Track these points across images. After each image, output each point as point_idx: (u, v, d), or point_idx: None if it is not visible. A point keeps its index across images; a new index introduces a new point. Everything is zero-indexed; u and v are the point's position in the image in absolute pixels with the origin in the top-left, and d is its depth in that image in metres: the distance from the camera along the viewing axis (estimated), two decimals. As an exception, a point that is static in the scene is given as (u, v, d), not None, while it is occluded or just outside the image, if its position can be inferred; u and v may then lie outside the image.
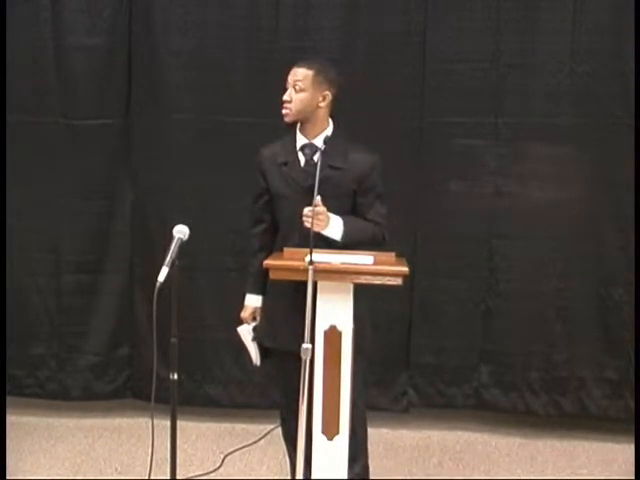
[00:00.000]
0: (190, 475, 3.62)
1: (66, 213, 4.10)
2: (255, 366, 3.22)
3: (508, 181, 4.00)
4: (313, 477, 2.93)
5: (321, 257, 2.79)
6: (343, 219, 2.98)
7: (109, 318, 4.19)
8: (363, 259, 2.88)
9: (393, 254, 2.95)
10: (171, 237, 2.83)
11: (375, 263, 2.87)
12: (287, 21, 3.92)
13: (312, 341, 2.79)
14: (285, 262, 2.89)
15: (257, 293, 3.19)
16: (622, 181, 3.90)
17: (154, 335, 2.76)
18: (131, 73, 4.02)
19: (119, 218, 4.13)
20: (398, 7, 3.89)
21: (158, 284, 2.69)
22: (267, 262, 2.89)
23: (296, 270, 2.78)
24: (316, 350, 2.84)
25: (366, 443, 3.26)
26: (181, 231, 2.84)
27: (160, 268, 2.72)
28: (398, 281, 2.82)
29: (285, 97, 3.03)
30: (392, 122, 3.92)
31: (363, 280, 2.83)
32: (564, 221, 3.98)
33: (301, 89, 3.02)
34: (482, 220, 4.02)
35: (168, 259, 2.75)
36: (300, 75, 3.02)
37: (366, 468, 3.26)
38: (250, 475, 3.70)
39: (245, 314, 3.22)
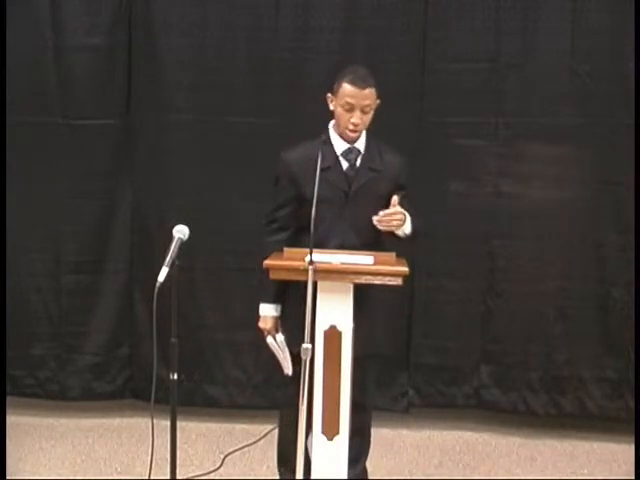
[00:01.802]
0: (190, 475, 3.62)
1: (66, 213, 4.10)
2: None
3: (508, 181, 4.00)
4: (313, 477, 2.93)
5: (321, 257, 2.79)
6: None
7: (109, 318, 4.19)
8: (363, 259, 2.88)
9: (393, 254, 2.95)
10: (171, 237, 2.83)
11: (375, 263, 2.87)
12: (287, 21, 3.92)
13: (312, 341, 2.79)
14: (285, 262, 2.89)
15: (277, 302, 3.09)
16: (622, 181, 3.90)
17: (154, 335, 2.76)
18: (131, 73, 4.01)
19: (119, 218, 4.13)
20: (398, 7, 3.89)
21: (158, 284, 2.69)
22: (267, 262, 2.88)
23: (296, 270, 2.78)
24: (316, 350, 2.84)
25: (370, 445, 3.26)
26: (181, 231, 2.84)
27: (160, 268, 2.73)
28: (398, 281, 2.82)
29: (356, 120, 2.95)
30: (392, 122, 3.91)
31: (363, 280, 2.83)
32: (564, 221, 3.98)
33: (370, 109, 2.98)
34: (482, 220, 4.02)
35: (168, 259, 2.75)
36: (369, 98, 2.95)
37: (365, 469, 3.27)
38: (250, 475, 3.69)
39: (268, 325, 3.09)
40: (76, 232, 4.11)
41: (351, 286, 2.86)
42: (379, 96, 3.00)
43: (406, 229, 2.99)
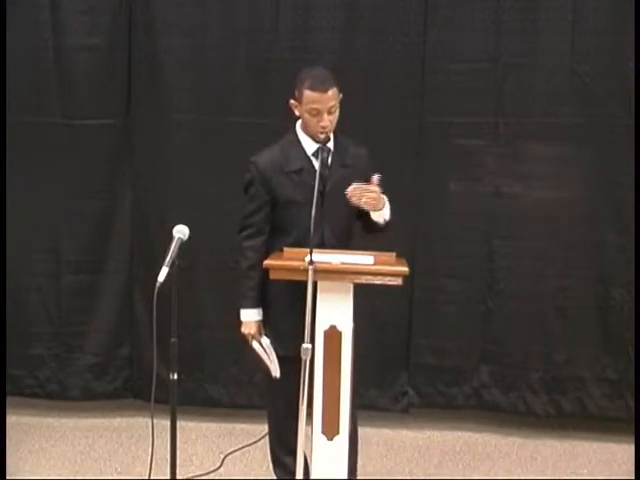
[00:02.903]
0: (190, 475, 3.62)
1: (66, 213, 4.10)
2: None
3: (508, 181, 4.00)
4: (313, 477, 2.93)
5: (321, 257, 2.79)
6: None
7: (109, 318, 4.19)
8: (363, 259, 2.88)
9: (393, 254, 2.95)
10: (171, 237, 2.83)
11: (375, 263, 2.87)
12: (287, 21, 3.92)
13: (312, 341, 2.79)
14: (285, 262, 2.89)
15: (259, 306, 3.10)
16: (622, 181, 3.90)
17: (154, 335, 2.76)
18: (131, 73, 4.02)
19: (119, 218, 4.13)
20: (398, 7, 3.89)
21: (158, 284, 2.70)
22: (267, 262, 2.89)
23: (296, 270, 2.78)
24: (316, 350, 2.84)
25: (357, 442, 3.25)
26: (181, 231, 2.84)
27: (160, 268, 2.73)
28: (398, 281, 2.82)
29: (325, 124, 2.95)
30: (392, 122, 3.92)
31: (363, 280, 2.83)
32: (564, 221, 3.98)
33: (335, 108, 2.98)
34: (482, 220, 4.02)
35: (168, 259, 2.75)
36: (332, 99, 2.95)
37: (355, 467, 3.25)
38: (250, 475, 3.70)
39: (252, 330, 3.07)
40: (76, 232, 4.11)
41: (351, 286, 2.86)
42: (340, 90, 3.00)
43: (385, 214, 3.01)
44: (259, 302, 3.09)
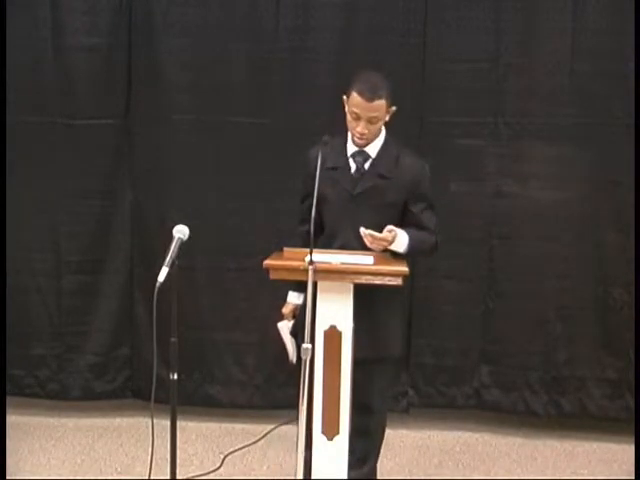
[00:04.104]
0: (190, 475, 3.62)
1: (66, 213, 4.09)
2: (291, 363, 3.15)
3: (508, 181, 4.00)
4: (313, 477, 2.93)
5: (321, 257, 2.79)
6: (408, 233, 2.95)
7: (109, 318, 4.19)
8: (363, 259, 2.88)
9: (394, 254, 2.95)
10: (171, 237, 2.83)
11: (375, 263, 2.87)
12: (287, 21, 3.92)
13: (312, 341, 2.79)
14: (285, 262, 2.89)
15: (299, 290, 3.15)
16: (622, 181, 3.90)
17: (154, 335, 2.76)
18: (131, 73, 4.01)
19: (119, 218, 4.13)
20: (398, 7, 3.89)
21: (158, 284, 2.69)
22: (266, 262, 2.89)
23: (296, 270, 2.78)
24: (316, 350, 2.84)
25: (380, 447, 3.26)
26: (181, 231, 2.84)
27: (160, 268, 2.73)
28: (398, 281, 2.83)
29: (361, 131, 2.96)
30: (392, 122, 3.91)
31: (363, 280, 2.83)
32: (564, 221, 3.98)
33: (378, 119, 2.98)
34: (482, 220, 4.02)
35: (168, 259, 2.75)
36: (376, 110, 2.95)
37: (374, 470, 3.26)
38: (250, 475, 3.70)
39: (286, 310, 3.21)
40: (76, 232, 4.11)
41: (351, 286, 2.86)
42: (393, 103, 3.01)
43: (399, 249, 2.94)
44: (299, 286, 3.11)
